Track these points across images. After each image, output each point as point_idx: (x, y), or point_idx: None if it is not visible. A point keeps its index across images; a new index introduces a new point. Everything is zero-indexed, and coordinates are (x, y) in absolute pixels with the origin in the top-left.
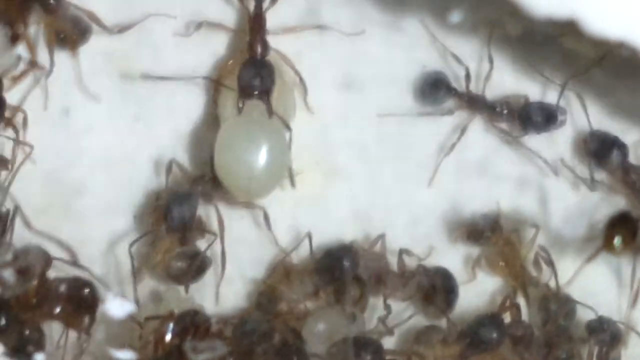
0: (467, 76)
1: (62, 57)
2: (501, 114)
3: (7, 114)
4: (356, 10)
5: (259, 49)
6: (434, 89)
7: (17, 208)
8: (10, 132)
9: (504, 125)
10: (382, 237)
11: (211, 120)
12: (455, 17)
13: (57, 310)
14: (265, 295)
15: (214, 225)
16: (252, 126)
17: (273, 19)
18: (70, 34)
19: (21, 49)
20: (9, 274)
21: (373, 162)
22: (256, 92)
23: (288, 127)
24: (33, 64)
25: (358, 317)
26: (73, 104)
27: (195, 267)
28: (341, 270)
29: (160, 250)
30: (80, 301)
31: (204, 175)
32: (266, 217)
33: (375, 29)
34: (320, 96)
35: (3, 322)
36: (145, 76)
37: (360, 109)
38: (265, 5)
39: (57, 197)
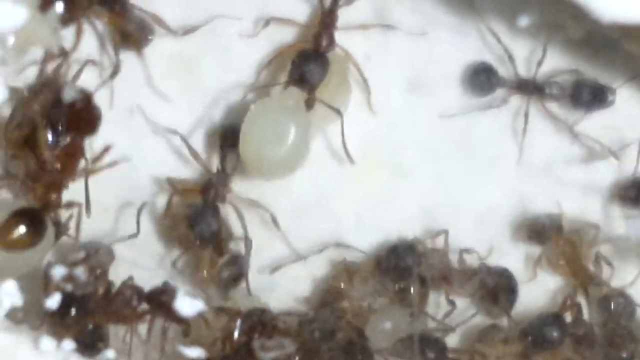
0: (510, 58)
1: (128, 58)
2: (551, 94)
3: None
4: (424, 13)
5: (324, 42)
6: (482, 77)
7: (86, 206)
8: None
9: (559, 112)
10: (445, 233)
11: None
12: (522, 20)
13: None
14: (329, 294)
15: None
16: (284, 111)
17: (341, 19)
18: (135, 35)
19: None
20: (80, 272)
21: (438, 161)
22: (303, 81)
23: (339, 113)
24: (65, 53)
25: (420, 314)
26: (139, 105)
27: (241, 269)
28: (404, 268)
29: (202, 268)
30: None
31: (210, 178)
32: (273, 219)
33: (441, 31)
34: (388, 96)
35: (74, 318)
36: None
37: (426, 109)
38: (340, 1)
39: (119, 196)
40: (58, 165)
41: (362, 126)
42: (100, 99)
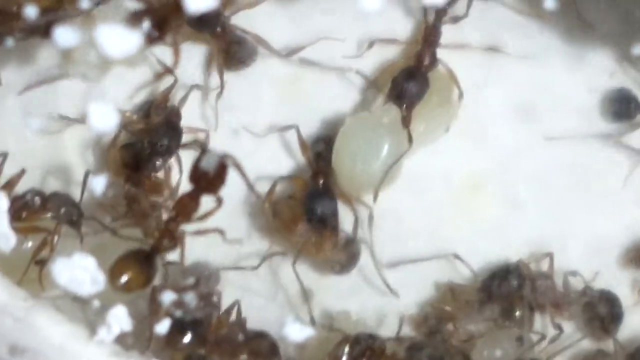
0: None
1: (230, 78)
2: None
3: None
4: (534, 39)
5: (426, 61)
6: (623, 103)
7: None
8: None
9: None
10: (550, 256)
11: None
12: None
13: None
14: (433, 317)
15: None
16: (378, 128)
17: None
18: (238, 56)
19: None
20: (190, 298)
21: (549, 191)
22: (401, 99)
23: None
24: (167, 70)
25: (526, 338)
26: (244, 125)
27: (356, 251)
28: (508, 290)
29: (324, 249)
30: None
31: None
32: (370, 217)
33: (556, 58)
34: (498, 124)
35: (185, 344)
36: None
37: (539, 136)
38: (444, 19)
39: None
40: (174, 213)
41: (473, 154)
42: (204, 119)
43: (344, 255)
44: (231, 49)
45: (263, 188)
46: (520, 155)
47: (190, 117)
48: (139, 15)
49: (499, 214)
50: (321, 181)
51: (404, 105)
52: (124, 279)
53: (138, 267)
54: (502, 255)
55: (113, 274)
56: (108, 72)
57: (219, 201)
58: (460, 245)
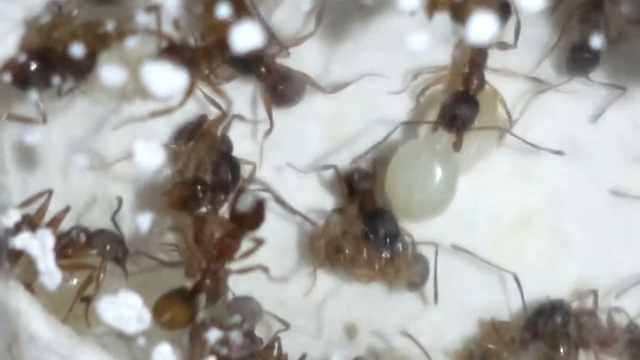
0: None
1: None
2: None
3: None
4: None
5: (474, 84)
6: None
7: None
8: None
9: None
10: (594, 292)
11: None
12: None
13: None
14: (478, 354)
15: None
16: (432, 154)
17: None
18: (286, 94)
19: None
20: (236, 336)
21: (597, 228)
22: (452, 124)
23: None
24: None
25: None
26: (288, 162)
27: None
28: (552, 327)
29: (400, 270)
30: None
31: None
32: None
33: (601, 93)
34: (547, 161)
35: None
36: None
37: (589, 176)
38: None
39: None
40: (216, 253)
41: (521, 190)
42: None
43: (417, 270)
44: (278, 87)
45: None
46: (567, 192)
47: (235, 152)
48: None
49: (545, 250)
50: (370, 207)
51: (455, 130)
52: (168, 316)
53: (181, 305)
54: (547, 292)
55: (157, 311)
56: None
57: (259, 242)
58: (511, 282)
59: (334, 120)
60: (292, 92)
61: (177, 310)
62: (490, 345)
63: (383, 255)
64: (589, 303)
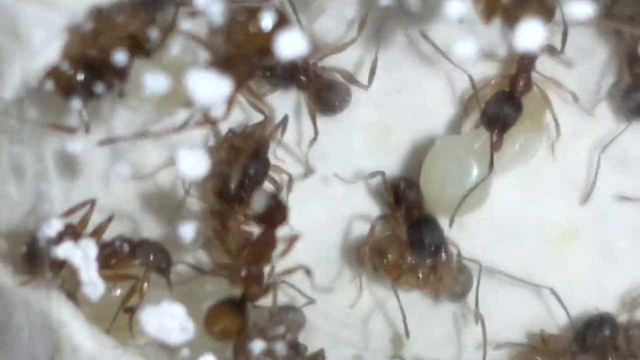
0: None
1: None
2: None
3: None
4: None
5: (520, 86)
6: None
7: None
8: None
9: None
10: None
11: None
12: None
13: None
14: None
15: None
16: (469, 152)
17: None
18: (330, 101)
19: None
20: (280, 347)
21: None
22: (493, 124)
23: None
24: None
25: None
26: (332, 172)
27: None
28: (601, 339)
29: (444, 278)
30: None
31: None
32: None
33: None
34: (596, 175)
35: None
36: None
37: (634, 185)
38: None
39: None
40: (253, 259)
41: (569, 202)
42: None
43: (460, 280)
44: (322, 95)
45: (356, 233)
46: (615, 205)
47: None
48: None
49: (593, 263)
50: (416, 215)
51: (496, 130)
52: (220, 327)
53: (232, 314)
54: (596, 305)
55: (209, 322)
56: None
57: (294, 238)
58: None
59: (379, 130)
60: (335, 99)
61: (229, 319)
62: (538, 358)
63: (427, 262)
64: (637, 316)
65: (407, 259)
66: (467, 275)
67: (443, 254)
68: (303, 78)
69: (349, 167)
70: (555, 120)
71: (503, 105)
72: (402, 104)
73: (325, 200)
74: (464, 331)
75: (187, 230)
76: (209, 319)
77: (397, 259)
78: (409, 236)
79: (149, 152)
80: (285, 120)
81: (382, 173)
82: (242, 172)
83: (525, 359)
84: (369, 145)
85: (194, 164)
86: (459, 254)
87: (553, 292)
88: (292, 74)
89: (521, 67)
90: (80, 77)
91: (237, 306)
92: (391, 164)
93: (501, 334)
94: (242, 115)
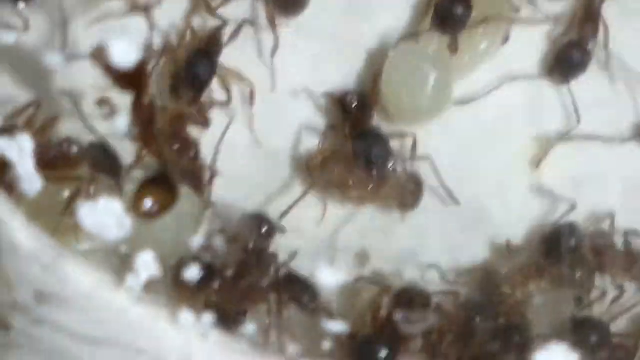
0: None
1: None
2: None
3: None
4: None
5: None
6: None
7: None
8: None
9: None
10: (611, 217)
11: None
12: None
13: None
14: (489, 277)
15: None
16: (423, 58)
17: None
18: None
19: None
20: (219, 242)
21: None
22: (445, 26)
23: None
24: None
25: (584, 298)
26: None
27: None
28: (566, 250)
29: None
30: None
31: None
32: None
33: None
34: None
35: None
36: None
37: None
38: None
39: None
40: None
41: None
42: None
43: (409, 190)
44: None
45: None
46: None
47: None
48: None
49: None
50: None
51: (450, 32)
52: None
53: (160, 188)
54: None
55: (137, 201)
56: None
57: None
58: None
59: (334, 39)
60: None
61: (158, 193)
62: (503, 270)
63: (373, 175)
64: (603, 225)
65: (354, 173)
66: (416, 185)
67: (389, 166)
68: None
69: (304, 77)
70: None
71: (453, 6)
72: (359, 9)
73: (276, 112)
74: (431, 242)
75: (121, 122)
76: (138, 198)
77: (344, 173)
78: (354, 149)
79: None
80: (240, 26)
81: (327, 94)
82: (187, 70)
83: (489, 268)
84: (326, 55)
85: (126, 53)
86: (407, 164)
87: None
88: None
89: None
90: None
91: (162, 183)
92: (347, 73)
93: (468, 243)
94: None
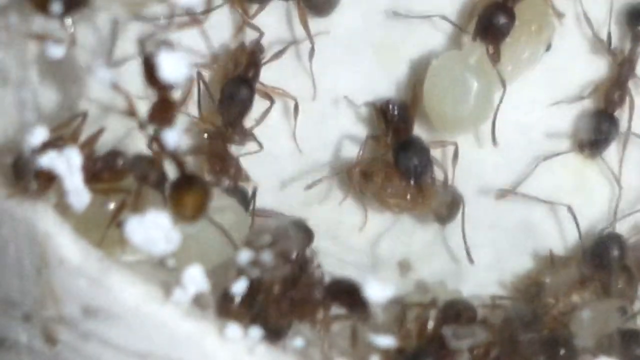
0: None
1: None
2: None
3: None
4: None
5: None
6: None
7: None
8: None
9: None
10: None
11: None
12: None
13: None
14: (533, 286)
15: None
16: (465, 67)
17: None
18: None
19: None
20: (267, 257)
21: None
22: (487, 36)
23: (503, 84)
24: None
25: (628, 309)
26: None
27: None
28: (609, 260)
29: (426, 201)
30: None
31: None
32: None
33: None
34: None
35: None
36: None
37: None
38: None
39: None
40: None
41: None
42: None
43: (446, 201)
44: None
45: (346, 154)
46: None
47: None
48: None
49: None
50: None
51: (491, 42)
52: (188, 204)
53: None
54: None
55: (176, 205)
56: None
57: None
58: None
59: (376, 48)
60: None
61: (193, 194)
62: (546, 279)
63: (411, 184)
64: None
65: (393, 181)
66: (454, 198)
67: (428, 176)
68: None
69: (345, 86)
70: (558, 15)
71: (494, 15)
72: (400, 18)
73: (315, 121)
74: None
75: (171, 136)
76: (175, 202)
77: (383, 181)
78: (394, 158)
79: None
80: (285, 48)
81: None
82: (227, 97)
83: (533, 281)
84: (367, 64)
85: (175, 67)
86: (445, 177)
87: (570, 211)
88: None
89: None
90: None
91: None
92: (389, 83)
93: (508, 257)
94: None
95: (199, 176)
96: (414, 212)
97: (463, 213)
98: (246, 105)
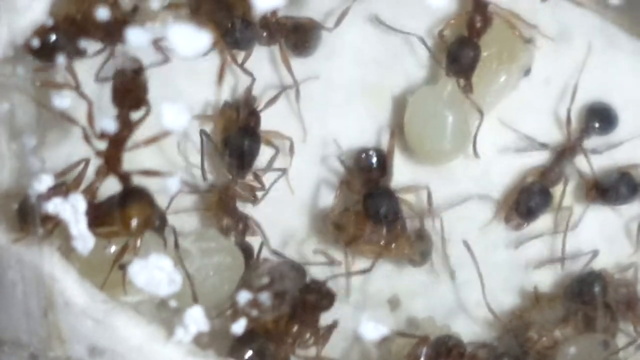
0: None
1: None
2: None
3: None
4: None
5: (477, 28)
6: None
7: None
8: None
9: None
10: (635, 266)
11: None
12: None
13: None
14: (516, 322)
15: None
16: (439, 102)
17: None
18: (299, 43)
19: None
20: (265, 298)
21: None
22: (455, 70)
23: (480, 112)
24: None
25: (611, 344)
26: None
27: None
28: (591, 296)
29: (399, 247)
30: None
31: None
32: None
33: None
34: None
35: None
36: None
37: None
38: None
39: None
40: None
41: None
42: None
43: (418, 247)
44: (290, 40)
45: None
46: None
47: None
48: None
49: None
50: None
51: (460, 76)
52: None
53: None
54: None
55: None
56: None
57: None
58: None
59: (358, 86)
60: (304, 39)
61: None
62: (530, 315)
63: (382, 232)
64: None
65: (366, 229)
66: (425, 243)
67: (398, 223)
68: (265, 33)
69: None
70: (528, 38)
71: (460, 50)
72: (380, 56)
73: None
74: (461, 288)
75: (173, 182)
76: (121, 215)
77: (355, 231)
78: (364, 206)
79: None
80: (280, 93)
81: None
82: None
83: (516, 316)
84: (350, 102)
85: (176, 117)
86: (421, 221)
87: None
88: (252, 35)
89: (476, 6)
90: (66, 36)
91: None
92: (372, 120)
93: (498, 293)
94: None
95: (144, 189)
96: (389, 257)
97: (442, 230)
98: (254, 155)
